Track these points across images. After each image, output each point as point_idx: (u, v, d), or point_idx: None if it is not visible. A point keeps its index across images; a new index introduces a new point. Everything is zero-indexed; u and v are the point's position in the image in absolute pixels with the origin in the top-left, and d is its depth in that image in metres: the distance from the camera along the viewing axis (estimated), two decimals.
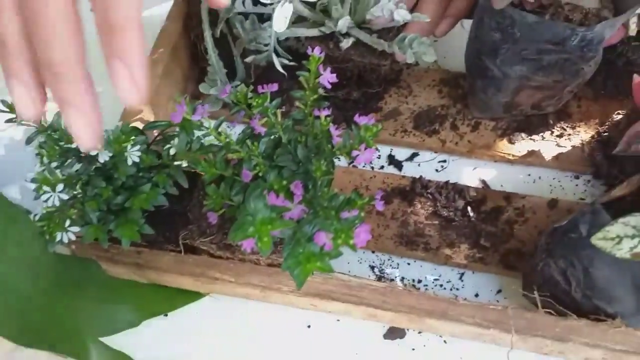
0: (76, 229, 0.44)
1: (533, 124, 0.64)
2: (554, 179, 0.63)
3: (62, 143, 0.45)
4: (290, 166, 0.45)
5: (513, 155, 0.63)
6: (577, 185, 0.62)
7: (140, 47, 0.29)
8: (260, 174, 0.45)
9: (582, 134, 0.64)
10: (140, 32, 0.29)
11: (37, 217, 0.44)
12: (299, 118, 0.47)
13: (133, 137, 0.45)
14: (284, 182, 0.42)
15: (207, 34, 0.58)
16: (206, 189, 0.46)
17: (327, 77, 0.45)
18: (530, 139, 0.64)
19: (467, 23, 0.65)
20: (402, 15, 0.56)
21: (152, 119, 0.61)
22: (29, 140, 0.46)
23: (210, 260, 0.51)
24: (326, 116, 0.44)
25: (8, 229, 0.47)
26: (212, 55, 0.59)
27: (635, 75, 0.54)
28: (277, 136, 0.47)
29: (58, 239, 0.43)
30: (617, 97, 0.64)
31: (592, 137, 0.63)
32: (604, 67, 0.61)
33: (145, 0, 0.60)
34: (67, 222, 0.43)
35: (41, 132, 0.46)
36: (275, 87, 0.45)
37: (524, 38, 0.54)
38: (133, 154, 0.44)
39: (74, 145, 0.44)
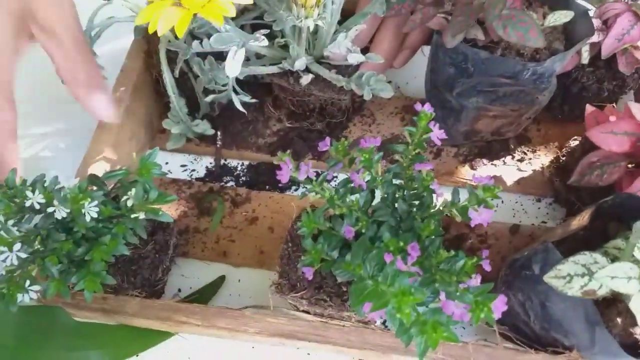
0: (37, 287, 0.44)
1: (494, 149, 0.66)
2: (516, 202, 0.64)
3: (17, 200, 0.45)
4: (390, 221, 0.46)
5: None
6: (539, 208, 0.63)
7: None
8: (362, 230, 0.45)
9: (542, 158, 0.65)
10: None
11: None
12: (398, 172, 0.47)
13: (90, 194, 0.45)
14: (401, 244, 0.41)
15: (167, 75, 0.59)
16: (303, 243, 0.46)
17: (438, 135, 0.45)
18: (492, 164, 0.65)
19: (427, 49, 0.66)
20: (356, 58, 0.57)
21: (114, 157, 0.61)
22: None
23: (176, 305, 0.52)
24: (428, 171, 0.45)
25: None
26: (172, 95, 0.60)
27: (587, 106, 0.55)
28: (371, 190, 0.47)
29: (19, 299, 0.43)
30: (574, 121, 0.66)
31: (552, 161, 0.64)
32: (560, 92, 0.62)
33: (106, 34, 0.60)
34: (27, 282, 0.43)
35: None
36: (378, 141, 0.45)
37: (477, 72, 0.55)
38: (91, 210, 0.44)
39: (29, 203, 0.44)
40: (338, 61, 0.60)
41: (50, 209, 0.44)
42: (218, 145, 0.67)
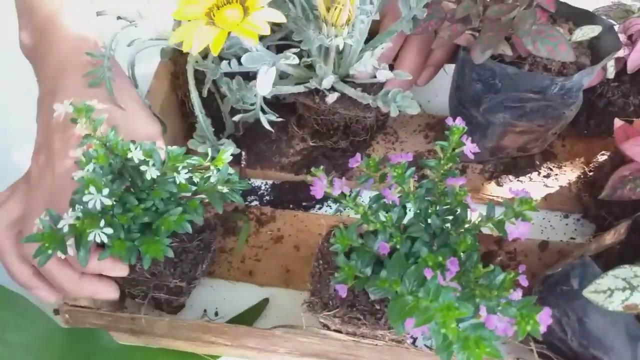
0: (110, 230, 0.43)
1: (520, 166, 0.65)
2: (543, 219, 0.64)
3: (116, 153, 0.46)
4: (424, 237, 0.46)
5: (502, 198, 0.63)
6: (567, 224, 0.63)
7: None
8: (397, 247, 0.45)
9: (568, 174, 0.65)
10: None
11: (70, 216, 0.43)
12: (430, 187, 0.47)
13: (187, 158, 0.46)
14: (440, 259, 0.41)
15: (194, 95, 0.59)
16: (336, 260, 0.46)
17: (470, 148, 0.45)
18: (518, 180, 0.65)
19: (450, 67, 0.67)
20: (384, 75, 0.58)
21: None
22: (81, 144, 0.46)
23: (205, 325, 0.51)
24: (461, 185, 0.45)
25: (5, 314, 0.47)
26: (200, 115, 0.60)
27: (616, 120, 0.55)
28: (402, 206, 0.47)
29: (90, 237, 0.42)
30: (600, 136, 0.65)
31: (579, 177, 0.63)
32: (586, 107, 0.62)
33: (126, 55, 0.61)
34: (102, 222, 0.43)
35: (93, 138, 0.46)
36: (410, 157, 0.46)
37: (505, 88, 0.55)
38: (182, 174, 0.46)
39: (130, 155, 0.46)
40: (363, 79, 0.60)
41: (144, 167, 0.45)
42: (242, 165, 0.67)
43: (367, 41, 0.61)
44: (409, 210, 0.48)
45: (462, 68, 0.58)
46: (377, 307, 0.48)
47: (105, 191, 0.43)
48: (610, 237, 0.49)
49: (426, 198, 0.48)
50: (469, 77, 0.57)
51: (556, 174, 0.65)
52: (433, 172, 0.48)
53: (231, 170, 0.49)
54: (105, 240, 0.43)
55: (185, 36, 0.45)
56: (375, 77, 0.59)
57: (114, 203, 0.45)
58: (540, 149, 0.64)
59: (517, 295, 0.38)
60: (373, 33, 0.62)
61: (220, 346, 0.52)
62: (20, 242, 0.48)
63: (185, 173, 0.46)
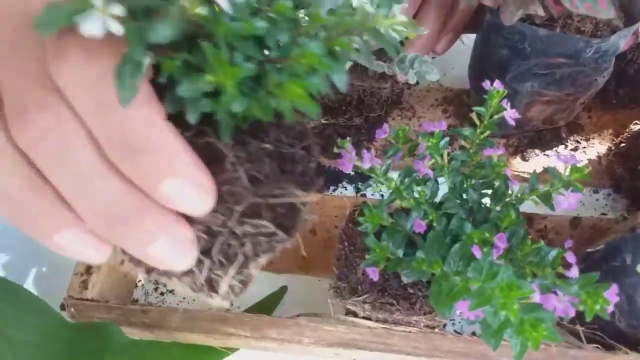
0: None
1: (545, 139, 0.62)
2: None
3: None
4: (460, 213, 0.42)
5: (528, 173, 0.60)
6: (597, 199, 0.59)
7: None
8: (433, 225, 0.41)
9: (597, 147, 0.61)
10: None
11: None
12: (464, 159, 0.43)
13: None
14: (486, 235, 0.38)
15: None
16: (365, 241, 0.41)
17: (511, 114, 0.41)
18: (545, 154, 0.61)
19: (467, 37, 0.63)
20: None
21: None
22: None
23: (222, 315, 0.47)
24: (500, 156, 0.41)
25: (5, 307, 0.42)
26: None
27: None
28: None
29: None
30: (628, 106, 0.62)
31: (609, 149, 0.60)
32: (614, 75, 0.58)
33: None
34: None
35: None
36: (444, 125, 0.42)
37: (535, 53, 0.51)
38: None
39: None
40: (377, 45, 0.56)
41: None
42: None
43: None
44: (441, 184, 0.44)
45: (488, 32, 0.54)
46: (411, 291, 0.44)
47: None
48: None
49: (461, 171, 0.44)
50: (495, 43, 0.53)
51: (584, 147, 0.61)
52: (467, 143, 0.44)
53: None
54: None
55: None
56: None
57: None
58: (566, 120, 0.61)
59: (574, 272, 0.35)
60: None
61: (240, 338, 0.48)
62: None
63: None
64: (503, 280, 0.32)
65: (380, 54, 0.58)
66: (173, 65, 0.19)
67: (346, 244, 0.47)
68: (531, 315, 0.33)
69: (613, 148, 0.59)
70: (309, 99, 0.21)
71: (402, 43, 0.57)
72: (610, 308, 0.32)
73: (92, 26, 0.18)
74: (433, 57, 0.63)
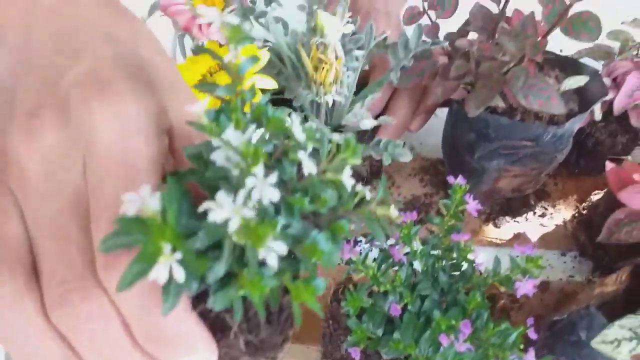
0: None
1: (515, 207, 0.67)
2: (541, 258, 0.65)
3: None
4: (433, 295, 0.46)
5: (500, 239, 0.65)
6: (565, 262, 0.64)
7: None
8: (408, 306, 0.46)
9: (563, 212, 0.66)
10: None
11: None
12: (435, 243, 0.48)
13: None
14: (452, 322, 0.42)
15: None
16: (347, 322, 0.46)
17: (473, 206, 0.47)
18: (515, 221, 0.66)
19: (440, 110, 0.68)
20: (367, 124, 0.59)
21: None
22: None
23: None
24: (466, 241, 0.46)
25: None
26: None
27: (607, 163, 0.56)
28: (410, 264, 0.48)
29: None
30: (590, 174, 0.67)
31: (573, 216, 0.65)
32: (575, 147, 0.63)
33: None
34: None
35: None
36: (414, 215, 0.47)
37: (498, 137, 0.56)
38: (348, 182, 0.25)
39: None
40: (354, 128, 0.61)
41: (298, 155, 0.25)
42: None
43: (357, 92, 0.63)
44: (415, 267, 0.49)
45: (456, 119, 0.59)
46: None
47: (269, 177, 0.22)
48: (612, 283, 0.50)
49: (432, 253, 0.49)
50: (463, 128, 0.58)
51: (551, 213, 0.66)
52: (438, 228, 0.49)
53: None
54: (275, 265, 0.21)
55: None
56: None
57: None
58: (533, 189, 0.66)
59: (530, 356, 0.39)
60: (363, 81, 0.63)
61: None
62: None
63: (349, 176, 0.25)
64: None
65: (357, 136, 0.63)
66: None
67: (330, 322, 0.51)
68: None
69: (577, 215, 0.64)
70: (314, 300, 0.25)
71: (375, 128, 0.63)
72: None
73: (159, 273, 0.20)
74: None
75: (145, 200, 0.21)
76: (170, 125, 0.28)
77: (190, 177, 0.26)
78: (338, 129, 0.64)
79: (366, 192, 0.26)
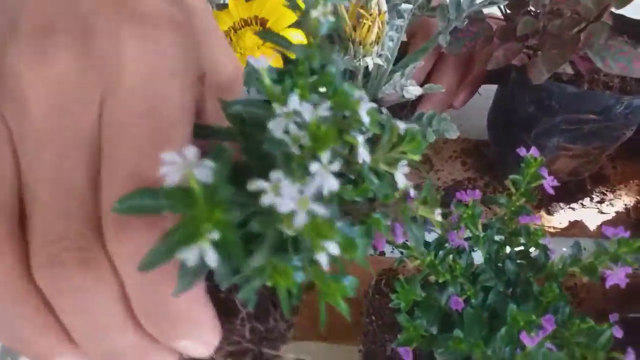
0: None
1: (570, 192, 0.60)
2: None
3: None
4: (498, 286, 0.40)
5: (554, 228, 0.58)
6: None
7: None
8: (470, 299, 0.39)
9: (624, 198, 0.59)
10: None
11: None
12: (499, 226, 0.41)
13: None
14: (533, 317, 0.35)
15: None
16: (398, 318, 0.39)
17: (550, 182, 0.40)
18: (570, 207, 0.59)
19: (484, 88, 0.61)
20: (412, 92, 0.52)
21: None
22: None
23: None
24: (536, 224, 0.39)
25: None
26: None
27: None
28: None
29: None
30: None
31: (638, 200, 0.58)
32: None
33: None
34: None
35: None
36: (478, 194, 0.40)
37: (562, 110, 0.50)
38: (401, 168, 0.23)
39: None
40: (392, 101, 0.55)
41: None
42: None
43: (395, 62, 0.56)
44: (475, 254, 0.42)
45: (512, 89, 0.52)
46: None
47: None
48: None
49: (495, 239, 0.42)
50: (520, 99, 0.51)
51: (610, 199, 0.59)
52: (502, 209, 0.42)
53: None
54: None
55: None
56: (403, 97, 0.54)
57: None
58: (591, 172, 0.59)
59: (630, 358, 0.33)
60: (401, 54, 0.57)
61: None
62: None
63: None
64: None
65: (395, 109, 0.56)
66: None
67: (373, 317, 0.44)
68: None
69: None
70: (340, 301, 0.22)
71: (419, 99, 0.57)
72: None
73: (192, 255, 0.16)
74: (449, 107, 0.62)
75: (191, 166, 0.17)
76: (203, 73, 0.23)
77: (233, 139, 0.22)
78: (373, 102, 0.57)
79: (410, 189, 0.23)
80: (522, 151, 0.40)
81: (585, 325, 0.36)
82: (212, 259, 0.16)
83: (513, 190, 0.41)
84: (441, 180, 0.62)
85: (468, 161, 0.63)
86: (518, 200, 0.41)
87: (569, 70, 0.47)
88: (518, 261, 0.42)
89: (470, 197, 0.40)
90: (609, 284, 0.36)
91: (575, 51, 0.43)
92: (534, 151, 0.39)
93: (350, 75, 0.53)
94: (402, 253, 0.40)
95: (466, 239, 0.41)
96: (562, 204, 0.59)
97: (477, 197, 0.40)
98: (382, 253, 0.59)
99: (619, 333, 0.37)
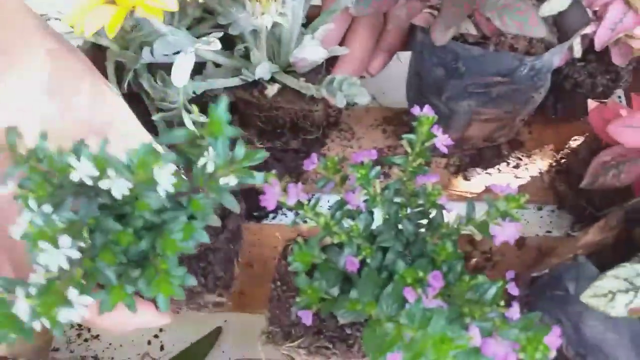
0: (88, 299, 0.29)
1: (486, 157, 0.60)
2: (516, 213, 0.59)
3: (54, 173, 0.30)
4: (396, 246, 0.39)
5: (471, 193, 0.58)
6: (541, 217, 0.58)
7: None
8: (367, 260, 0.38)
9: (538, 163, 0.60)
10: None
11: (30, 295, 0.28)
12: (397, 187, 0.40)
13: (164, 157, 0.30)
14: (420, 274, 0.35)
15: (115, 92, 0.51)
16: (296, 281, 0.38)
17: (443, 140, 0.39)
18: (487, 173, 0.60)
19: (404, 55, 0.61)
20: (318, 54, 0.51)
21: None
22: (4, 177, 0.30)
23: None
24: (434, 183, 0.38)
25: None
26: None
27: (590, 101, 0.50)
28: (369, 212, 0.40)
29: (62, 318, 0.29)
30: (568, 120, 0.61)
31: (551, 165, 0.59)
32: (552, 90, 0.57)
33: None
34: (74, 292, 0.29)
35: (21, 163, 0.30)
36: (374, 154, 0.39)
37: (469, 72, 0.49)
38: (165, 180, 0.30)
39: (74, 176, 0.29)
40: (307, 67, 0.54)
41: (104, 184, 0.29)
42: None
43: (306, 25, 0.55)
44: (375, 216, 0.42)
45: (421, 52, 0.52)
46: (348, 331, 0.41)
47: (65, 240, 0.28)
48: (597, 232, 0.44)
49: (395, 200, 0.42)
50: (429, 62, 0.51)
51: (526, 164, 0.60)
52: (400, 171, 0.42)
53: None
54: (88, 302, 0.29)
55: (78, 17, 0.36)
56: (318, 64, 0.53)
57: (85, 241, 0.31)
58: (507, 137, 0.60)
59: (514, 311, 0.33)
60: (314, 18, 0.55)
61: None
62: None
63: (170, 176, 0.30)
64: (436, 331, 0.29)
65: (309, 76, 0.55)
66: None
67: (279, 283, 0.44)
68: None
69: (554, 164, 0.58)
70: None
71: (330, 64, 0.56)
72: (553, 354, 0.29)
73: None
74: (372, 76, 0.61)
75: None
76: None
77: None
78: (287, 68, 0.56)
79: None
80: (415, 110, 0.39)
81: (475, 282, 0.36)
82: None
83: (409, 150, 0.40)
84: (362, 148, 0.62)
85: (388, 129, 0.63)
86: (415, 160, 0.40)
87: (473, 31, 0.47)
88: (417, 222, 0.41)
89: (366, 157, 0.40)
90: (498, 241, 0.36)
91: (474, 9, 0.43)
92: (427, 110, 0.39)
93: (256, 34, 0.51)
94: (297, 214, 0.40)
95: (364, 201, 0.40)
96: (479, 170, 0.60)
97: (373, 157, 0.40)
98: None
99: (514, 290, 0.37)
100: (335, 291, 0.39)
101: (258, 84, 0.54)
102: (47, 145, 0.31)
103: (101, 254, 0.31)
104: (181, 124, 0.53)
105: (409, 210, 0.41)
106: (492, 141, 0.59)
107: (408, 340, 0.30)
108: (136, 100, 0.55)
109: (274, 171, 0.39)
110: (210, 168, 0.32)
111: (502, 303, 0.35)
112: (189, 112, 0.53)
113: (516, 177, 0.59)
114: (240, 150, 0.33)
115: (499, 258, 0.54)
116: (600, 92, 0.58)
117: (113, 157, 0.30)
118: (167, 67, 0.49)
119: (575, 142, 0.56)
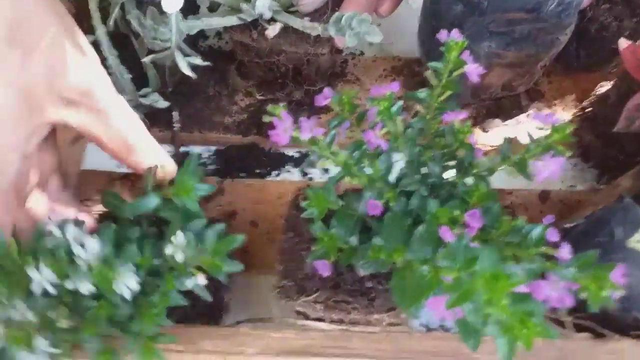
0: None
1: (505, 108, 0.56)
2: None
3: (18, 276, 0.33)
4: (421, 191, 0.35)
5: (490, 146, 0.55)
6: (564, 171, 0.54)
7: None
8: (390, 205, 0.34)
9: (560, 113, 0.56)
10: None
11: None
12: (421, 127, 0.37)
13: (122, 263, 0.33)
14: (456, 213, 0.31)
15: (100, 32, 0.46)
16: (312, 229, 0.34)
17: (473, 69, 0.35)
18: (505, 124, 0.56)
19: (413, 2, 0.57)
20: None
21: None
22: None
23: None
24: (462, 120, 0.35)
25: None
26: (110, 58, 0.47)
27: (621, 39, 0.46)
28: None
29: None
30: (590, 69, 0.57)
31: (575, 115, 0.55)
32: (574, 36, 0.53)
33: None
34: None
35: None
36: (397, 86, 0.35)
37: (492, 8, 0.45)
38: (127, 284, 0.32)
39: (35, 286, 0.32)
40: (311, 6, 0.49)
41: (69, 285, 0.32)
42: (175, 128, 0.55)
43: None
44: (394, 160, 0.37)
45: None
46: (369, 285, 0.37)
47: (40, 342, 0.32)
48: (632, 178, 0.40)
49: (419, 141, 0.38)
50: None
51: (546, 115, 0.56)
52: (424, 108, 0.38)
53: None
54: None
55: None
56: (323, 2, 0.48)
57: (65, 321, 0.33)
58: (526, 86, 0.56)
59: (565, 252, 0.29)
60: None
61: (171, 353, 0.40)
62: None
63: (130, 275, 0.33)
64: (486, 269, 0.25)
65: (314, 16, 0.51)
66: None
67: (291, 234, 0.40)
68: (519, 309, 0.27)
69: (579, 114, 0.54)
70: None
71: (336, 4, 0.51)
72: (619, 292, 0.26)
73: None
74: (379, 25, 0.57)
75: None
76: None
77: None
78: (290, 7, 0.51)
79: None
80: (442, 34, 0.35)
81: (515, 224, 0.32)
82: None
83: (435, 82, 0.36)
84: None
85: (398, 80, 0.59)
86: (441, 94, 0.36)
87: None
88: (444, 164, 0.37)
89: (388, 90, 0.35)
90: (540, 177, 0.32)
91: None
92: (455, 34, 0.35)
93: None
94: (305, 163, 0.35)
95: (387, 140, 0.36)
96: (497, 121, 0.56)
97: (395, 89, 0.35)
98: (311, 179, 0.55)
99: (554, 236, 0.33)
100: (354, 240, 0.36)
101: (257, 25, 0.50)
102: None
103: (84, 328, 0.33)
104: (186, 76, 0.49)
105: (433, 152, 0.37)
106: (511, 90, 0.55)
107: (451, 282, 0.27)
108: (123, 42, 0.50)
109: (281, 104, 0.34)
110: (179, 258, 0.33)
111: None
112: (185, 54, 0.48)
113: (537, 128, 0.55)
114: (212, 235, 0.34)
115: (521, 213, 0.50)
116: (627, 35, 0.54)
117: (71, 265, 0.32)
118: (158, 4, 0.44)
119: (602, 88, 0.52)
